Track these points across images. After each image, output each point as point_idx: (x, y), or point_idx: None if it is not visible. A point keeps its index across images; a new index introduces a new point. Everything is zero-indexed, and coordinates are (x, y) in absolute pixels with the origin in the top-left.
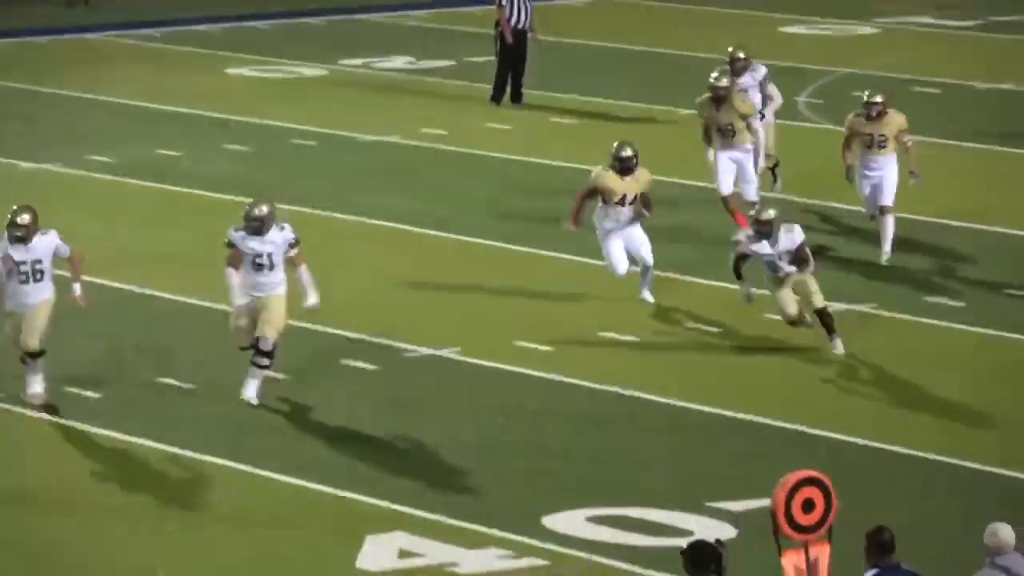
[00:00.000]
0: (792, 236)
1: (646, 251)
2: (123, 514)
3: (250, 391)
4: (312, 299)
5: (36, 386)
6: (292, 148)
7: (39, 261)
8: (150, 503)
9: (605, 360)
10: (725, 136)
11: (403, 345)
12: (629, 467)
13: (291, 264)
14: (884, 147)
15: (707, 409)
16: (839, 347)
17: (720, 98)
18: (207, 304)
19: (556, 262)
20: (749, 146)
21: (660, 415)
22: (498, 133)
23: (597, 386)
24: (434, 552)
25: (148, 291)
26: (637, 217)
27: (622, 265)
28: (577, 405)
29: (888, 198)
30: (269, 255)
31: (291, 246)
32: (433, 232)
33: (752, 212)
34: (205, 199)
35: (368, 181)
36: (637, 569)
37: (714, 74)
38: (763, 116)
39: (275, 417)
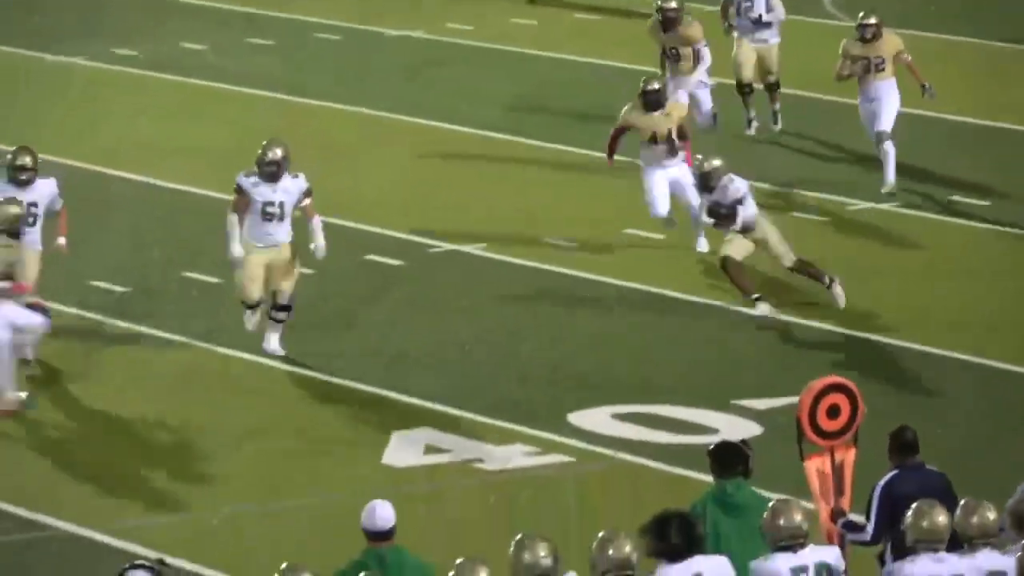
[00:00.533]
0: (727, 190)
1: (691, 193)
2: (148, 412)
3: (273, 343)
4: (320, 246)
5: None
6: (316, 42)
7: (35, 205)
8: (178, 400)
9: (631, 257)
10: (670, 61)
11: (428, 241)
12: (654, 365)
13: (303, 214)
14: (882, 70)
15: (733, 308)
16: (762, 309)
17: (669, 20)
18: (231, 198)
19: (582, 159)
20: (697, 78)
21: (686, 313)
22: (523, 28)
23: (623, 283)
24: (460, 448)
25: (172, 185)
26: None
27: (662, 206)
28: (603, 302)
29: (886, 123)
30: (281, 204)
31: (304, 195)
32: (458, 128)
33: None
34: (229, 93)
35: (392, 76)
36: (662, 466)
37: None
38: (771, 25)
39: (301, 313)
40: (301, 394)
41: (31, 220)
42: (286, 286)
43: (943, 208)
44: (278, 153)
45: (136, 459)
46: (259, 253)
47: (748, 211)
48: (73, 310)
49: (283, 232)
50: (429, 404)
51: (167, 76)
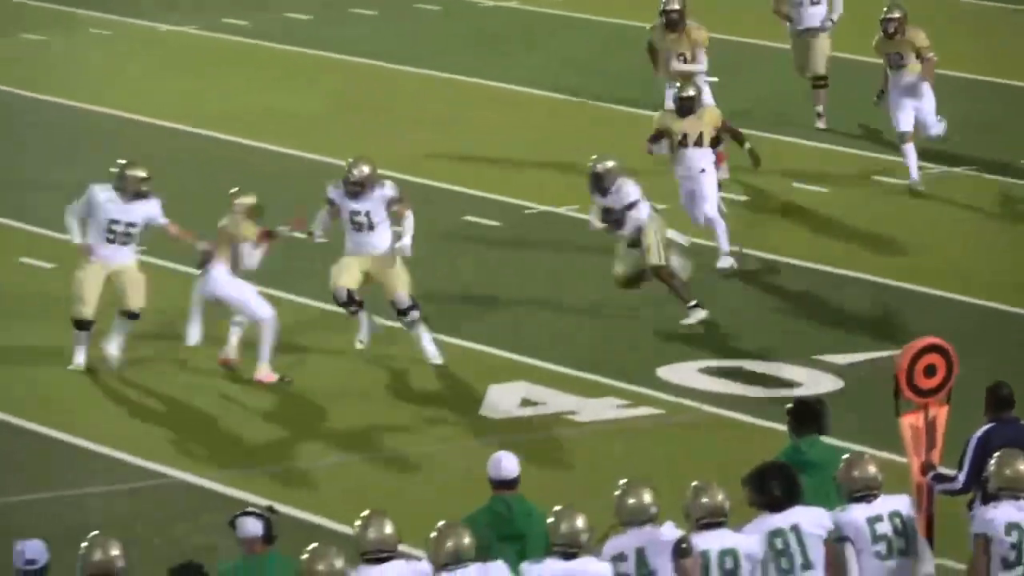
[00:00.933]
0: (620, 193)
1: (709, 206)
2: (253, 368)
3: (427, 342)
4: (404, 245)
5: (115, 347)
6: (417, 12)
7: (133, 224)
8: (281, 355)
9: None
10: (679, 64)
11: (524, 203)
12: (739, 321)
13: (395, 216)
14: (903, 66)
15: (814, 266)
16: (693, 318)
17: (672, 22)
18: (331, 161)
19: None
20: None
21: (768, 271)
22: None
23: (710, 243)
24: (554, 401)
25: (274, 148)
26: (707, 166)
27: (699, 216)
28: (693, 260)
29: (935, 128)
30: (367, 213)
31: (391, 203)
32: (554, 95)
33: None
34: (332, 61)
35: (491, 45)
36: (747, 418)
37: None
38: (829, 24)
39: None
40: (400, 349)
41: (124, 239)
42: (403, 291)
43: (1014, 170)
44: (364, 171)
45: (243, 412)
46: (358, 257)
47: (640, 215)
48: (181, 267)
49: (378, 240)
50: (525, 359)
51: (273, 45)
